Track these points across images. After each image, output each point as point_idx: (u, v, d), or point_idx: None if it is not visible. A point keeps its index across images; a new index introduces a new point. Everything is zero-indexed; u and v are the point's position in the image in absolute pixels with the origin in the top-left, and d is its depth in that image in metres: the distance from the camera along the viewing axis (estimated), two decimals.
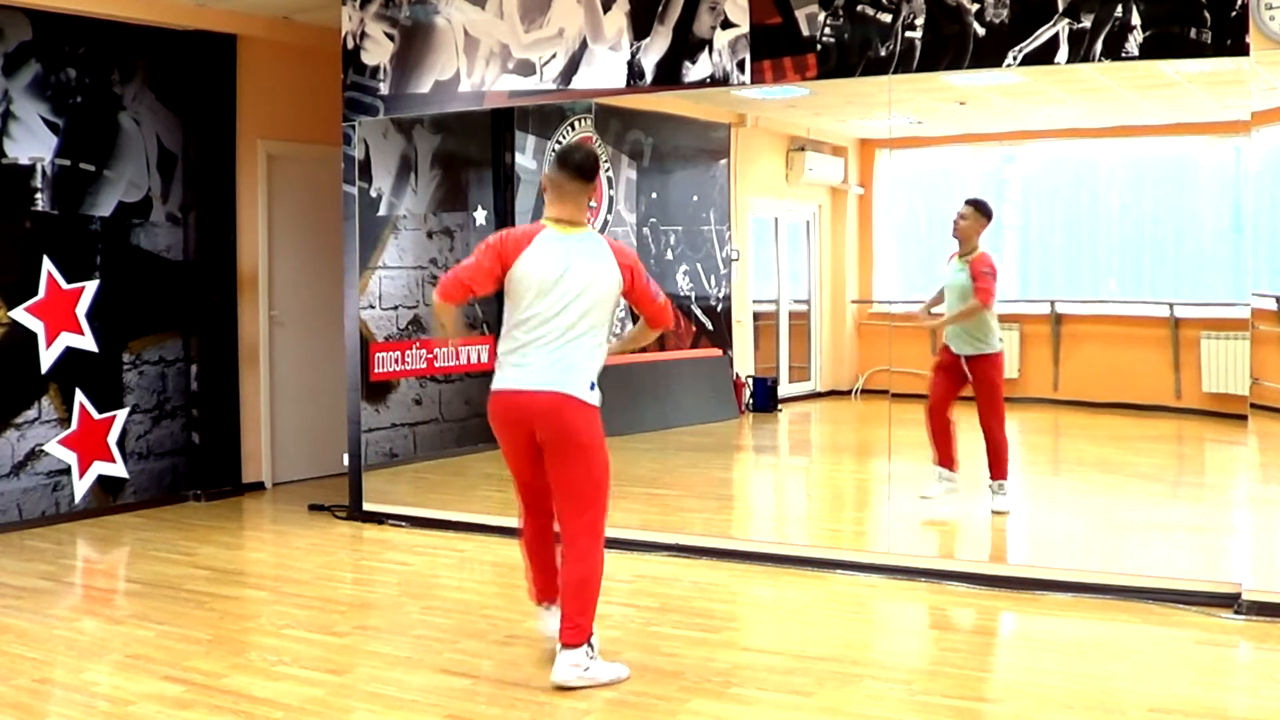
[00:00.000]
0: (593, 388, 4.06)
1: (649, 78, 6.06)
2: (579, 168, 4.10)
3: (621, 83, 6.14)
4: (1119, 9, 4.97)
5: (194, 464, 7.50)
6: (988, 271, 6.21)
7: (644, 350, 8.58)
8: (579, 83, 6.25)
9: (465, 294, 4.11)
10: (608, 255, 4.08)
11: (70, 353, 6.86)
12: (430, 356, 7.86)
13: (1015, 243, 8.59)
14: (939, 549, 5.97)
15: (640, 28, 6.06)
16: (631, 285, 4.13)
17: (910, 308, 7.51)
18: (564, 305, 4.01)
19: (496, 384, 4.11)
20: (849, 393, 8.91)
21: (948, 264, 6.39)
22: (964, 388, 6.33)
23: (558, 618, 4.16)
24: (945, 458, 6.36)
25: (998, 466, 6.23)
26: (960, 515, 6.37)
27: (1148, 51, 4.95)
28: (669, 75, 6.00)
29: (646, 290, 4.19)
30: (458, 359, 8.00)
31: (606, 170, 8.47)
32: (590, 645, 4.05)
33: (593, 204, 8.44)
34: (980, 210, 6.35)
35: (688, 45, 5.93)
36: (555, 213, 4.11)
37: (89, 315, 6.96)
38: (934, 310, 6.55)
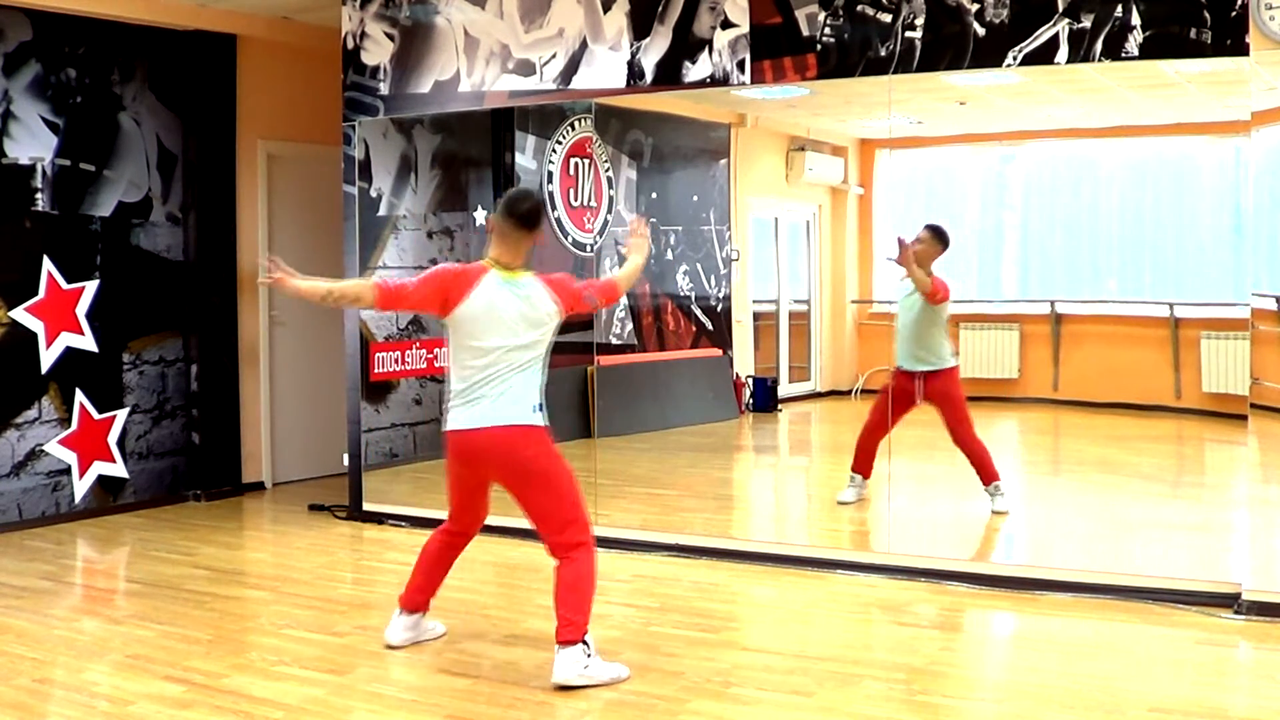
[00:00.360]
0: (537, 410, 4.27)
1: (649, 78, 6.06)
2: (524, 217, 4.33)
3: (621, 83, 6.14)
4: (1119, 9, 4.97)
5: (194, 464, 7.50)
6: (944, 285, 6.30)
7: (644, 350, 8.60)
8: (579, 83, 6.25)
9: (396, 308, 4.65)
10: (544, 295, 4.31)
11: (70, 353, 6.87)
12: (430, 356, 7.86)
13: (1015, 243, 8.58)
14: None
15: (640, 28, 6.06)
16: (570, 308, 4.41)
17: None
18: (507, 345, 4.22)
19: (451, 424, 4.28)
20: (849, 393, 8.90)
21: (900, 283, 6.44)
22: (909, 412, 6.35)
23: (403, 627, 4.48)
24: (863, 468, 6.45)
25: (985, 472, 6.22)
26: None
27: (1147, 51, 4.95)
28: (669, 75, 6.00)
29: (579, 303, 4.49)
30: None
31: (607, 170, 8.47)
32: (586, 644, 4.10)
33: (593, 204, 8.46)
34: (937, 236, 6.41)
35: (688, 45, 5.94)
36: (497, 254, 4.31)
37: (89, 315, 6.96)
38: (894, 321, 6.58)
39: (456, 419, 4.25)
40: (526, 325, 4.24)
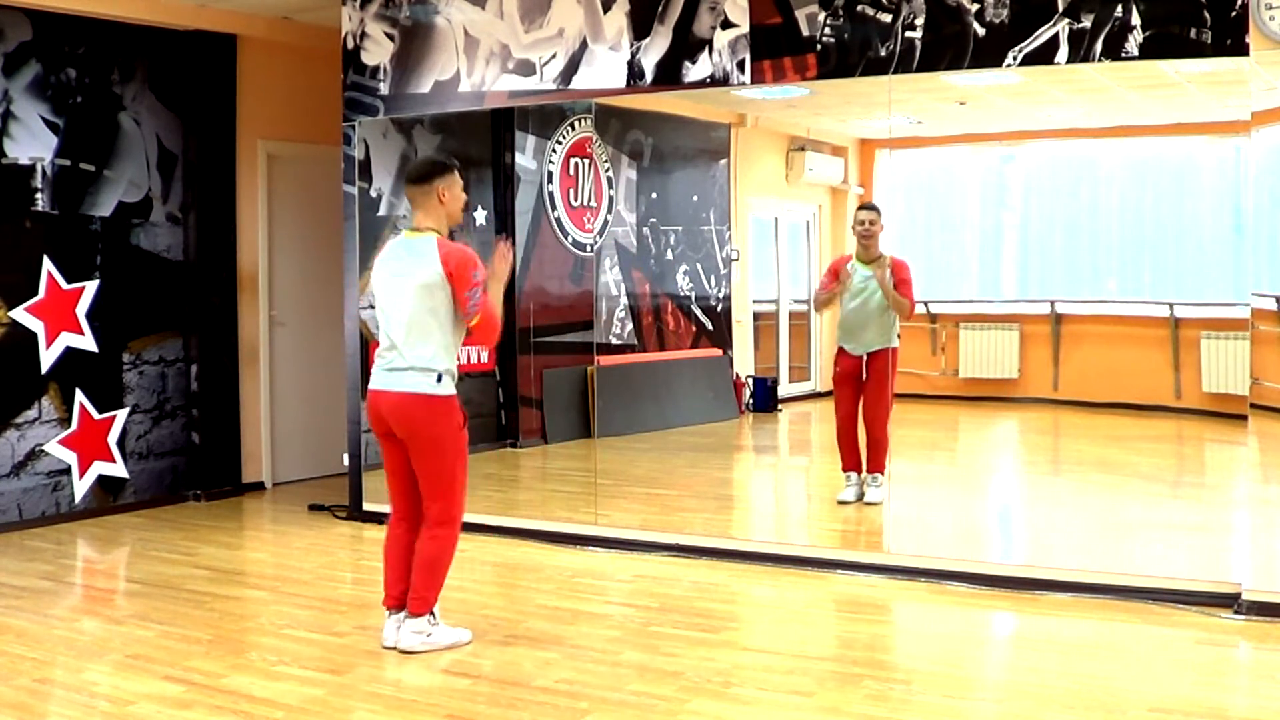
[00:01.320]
0: (439, 380, 4.33)
1: (649, 78, 6.06)
2: (410, 176, 4.48)
3: (621, 83, 6.14)
4: (1119, 9, 4.97)
5: (194, 464, 7.50)
6: (908, 280, 6.37)
7: (644, 350, 8.60)
8: (579, 83, 6.25)
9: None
10: (431, 251, 4.31)
11: (70, 353, 6.86)
12: None
13: (1015, 243, 8.58)
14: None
15: (640, 28, 6.06)
16: (455, 282, 4.30)
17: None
18: (396, 304, 4.35)
19: (370, 384, 4.48)
20: None
21: (846, 267, 6.49)
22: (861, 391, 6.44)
23: (395, 625, 4.48)
24: (853, 464, 6.51)
25: (876, 458, 6.30)
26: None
27: (1148, 51, 4.95)
28: (669, 75, 6.00)
29: (467, 293, 4.32)
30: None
31: (607, 170, 8.47)
32: (433, 614, 4.42)
33: (593, 204, 8.45)
34: (876, 210, 6.51)
35: (688, 45, 5.93)
36: (413, 222, 4.47)
37: (89, 315, 6.96)
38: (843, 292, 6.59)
39: (372, 380, 4.46)
40: (412, 286, 4.31)
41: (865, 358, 6.41)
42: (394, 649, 4.47)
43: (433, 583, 4.41)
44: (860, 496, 6.53)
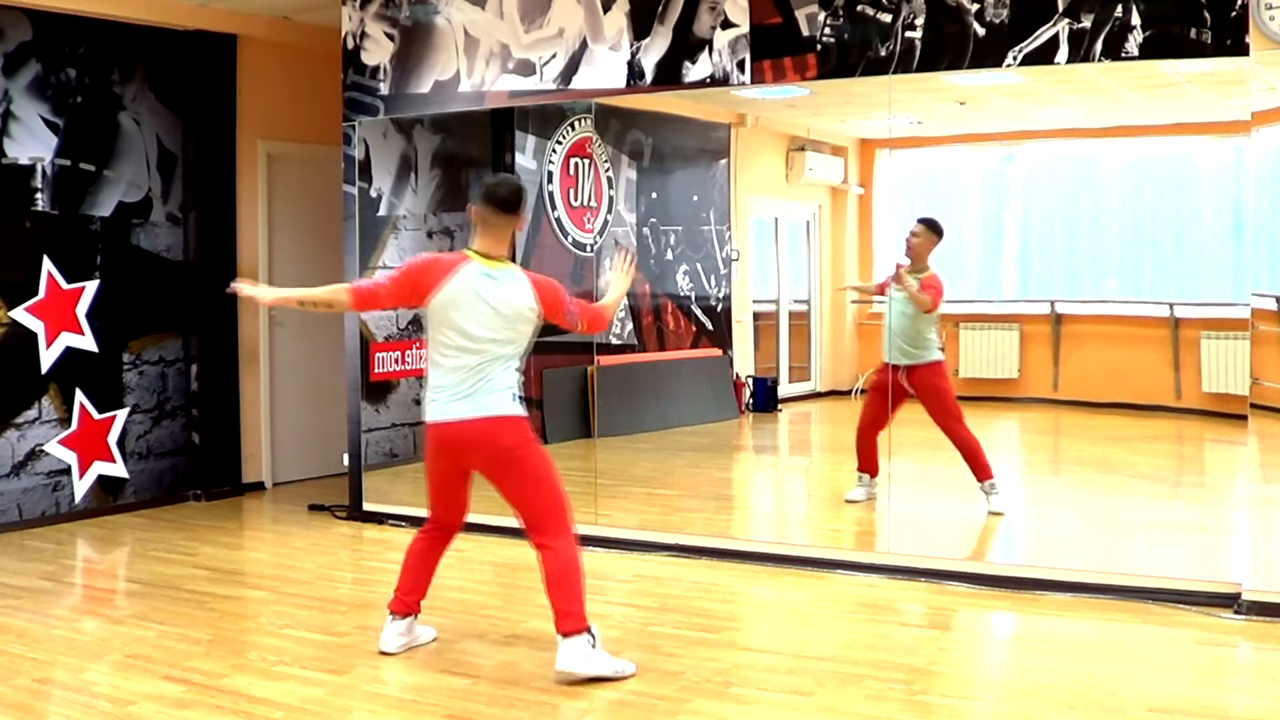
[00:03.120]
0: (516, 399, 4.27)
1: (649, 78, 6.06)
2: (504, 202, 4.26)
3: (621, 83, 6.14)
4: (1119, 9, 4.97)
5: (194, 464, 7.50)
6: (936, 287, 6.36)
7: (644, 350, 8.59)
8: (579, 83, 6.25)
9: (374, 308, 4.75)
10: (526, 291, 4.25)
11: (70, 353, 6.87)
12: None
13: (1015, 243, 8.59)
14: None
15: (640, 28, 6.06)
16: (552, 313, 4.32)
17: None
18: (485, 336, 4.19)
19: (433, 416, 4.27)
20: (849, 393, 8.89)
21: (893, 274, 6.49)
22: (898, 408, 6.36)
23: (397, 633, 4.44)
24: (868, 466, 6.49)
25: (978, 467, 6.21)
26: (953, 514, 6.37)
27: (1148, 51, 4.95)
28: (669, 75, 6.00)
29: (561, 314, 4.35)
30: None
31: (607, 170, 8.47)
32: (591, 635, 4.14)
33: (594, 204, 8.45)
34: (932, 229, 6.48)
35: (688, 45, 5.93)
36: (479, 245, 4.27)
37: (89, 315, 6.96)
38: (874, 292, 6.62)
39: (439, 411, 4.24)
40: (504, 318, 4.20)
41: (904, 371, 6.34)
42: (391, 654, 4.41)
43: (572, 596, 4.16)
44: (866, 496, 6.50)
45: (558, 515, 4.24)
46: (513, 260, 4.39)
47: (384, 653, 4.43)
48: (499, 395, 4.20)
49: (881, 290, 6.81)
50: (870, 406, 6.55)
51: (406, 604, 4.47)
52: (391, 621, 4.47)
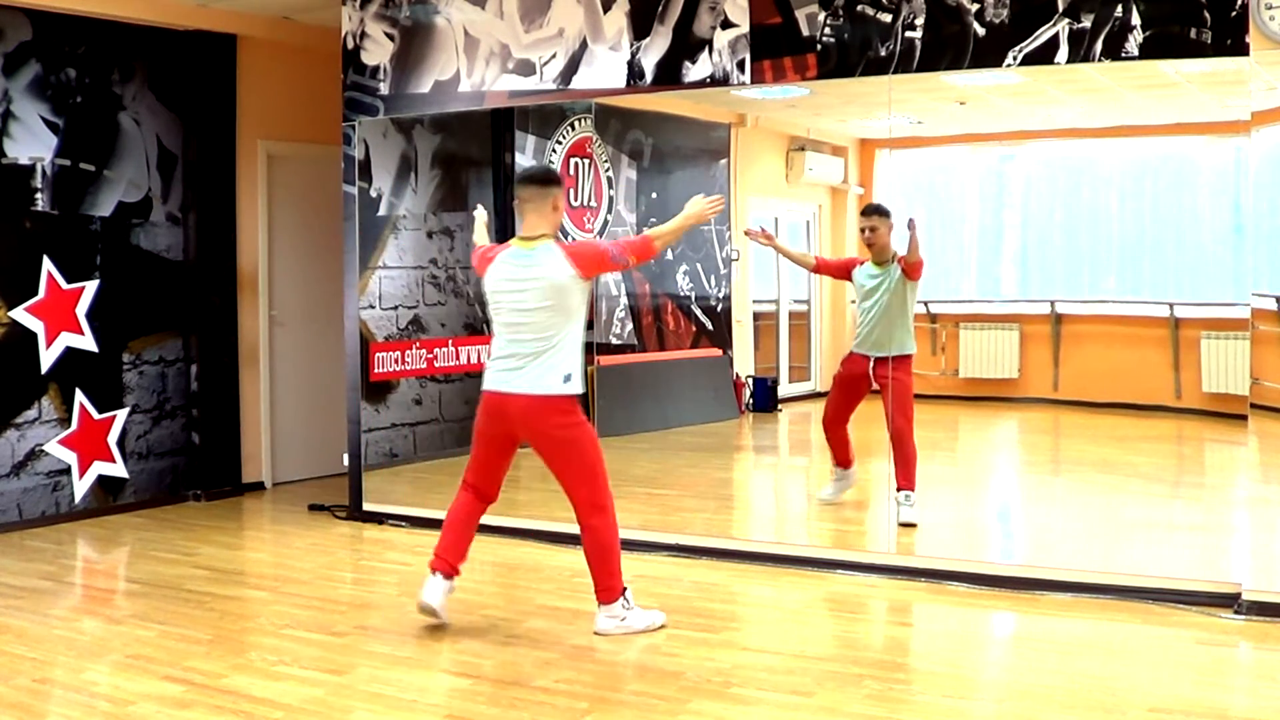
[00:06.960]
0: (568, 379, 4.45)
1: (649, 78, 6.06)
2: (530, 176, 4.66)
3: (621, 83, 6.14)
4: (1119, 9, 4.97)
5: (194, 464, 7.50)
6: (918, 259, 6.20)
7: (644, 350, 8.59)
8: (579, 83, 6.25)
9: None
10: (560, 261, 4.44)
11: (70, 353, 6.86)
12: (430, 356, 7.86)
13: (1015, 243, 8.59)
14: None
15: (640, 28, 6.06)
16: (595, 267, 4.52)
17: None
18: (520, 311, 4.48)
19: (486, 384, 4.60)
20: None
21: (858, 271, 6.39)
22: (861, 399, 6.34)
23: (439, 589, 4.62)
24: (842, 460, 6.48)
25: (906, 475, 6.01)
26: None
27: (1148, 51, 4.95)
28: (669, 75, 6.00)
29: (605, 263, 4.53)
30: (457, 359, 8.01)
31: (607, 170, 8.47)
32: (625, 598, 4.55)
33: (594, 204, 8.45)
34: (883, 214, 6.33)
35: (688, 45, 5.93)
36: (520, 231, 4.59)
37: (89, 315, 6.96)
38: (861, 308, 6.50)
39: (491, 380, 4.56)
40: (537, 293, 4.42)
41: (874, 362, 6.25)
42: (434, 609, 4.60)
43: (610, 570, 4.52)
44: (839, 494, 6.51)
45: (598, 496, 4.50)
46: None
47: (425, 605, 4.60)
48: (548, 374, 4.43)
49: (846, 272, 6.56)
50: (836, 400, 6.48)
51: (446, 562, 4.66)
52: (433, 577, 4.64)
